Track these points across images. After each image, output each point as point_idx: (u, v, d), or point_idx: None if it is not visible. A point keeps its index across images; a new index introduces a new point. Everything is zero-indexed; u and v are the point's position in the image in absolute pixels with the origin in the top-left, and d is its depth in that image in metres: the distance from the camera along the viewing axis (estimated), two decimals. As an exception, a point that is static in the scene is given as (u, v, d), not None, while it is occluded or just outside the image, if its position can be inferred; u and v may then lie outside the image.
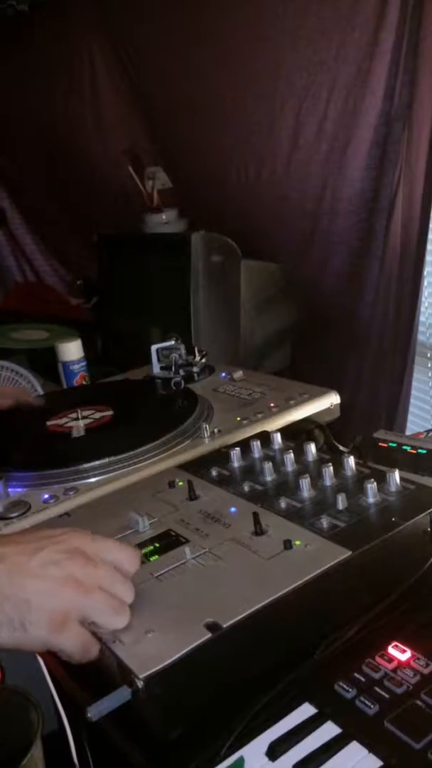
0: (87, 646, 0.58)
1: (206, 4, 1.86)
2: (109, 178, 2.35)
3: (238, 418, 1.04)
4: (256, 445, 0.89)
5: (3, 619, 0.55)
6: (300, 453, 0.86)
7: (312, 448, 0.85)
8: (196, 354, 1.27)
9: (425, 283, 1.62)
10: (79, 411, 1.08)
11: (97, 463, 0.91)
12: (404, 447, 0.95)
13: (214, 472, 0.86)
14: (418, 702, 0.55)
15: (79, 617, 0.57)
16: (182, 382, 1.19)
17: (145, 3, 2.04)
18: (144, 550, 0.69)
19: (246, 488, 0.80)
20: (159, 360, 1.27)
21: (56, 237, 2.86)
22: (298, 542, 0.67)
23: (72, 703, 0.91)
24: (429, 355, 1.74)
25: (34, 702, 1.34)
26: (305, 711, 0.57)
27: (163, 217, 1.98)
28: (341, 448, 1.00)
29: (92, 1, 2.23)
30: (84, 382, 1.42)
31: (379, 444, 0.97)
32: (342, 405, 1.11)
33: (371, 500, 0.73)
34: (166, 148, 2.18)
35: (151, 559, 0.68)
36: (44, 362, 1.55)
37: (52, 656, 0.74)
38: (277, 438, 0.90)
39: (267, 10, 1.72)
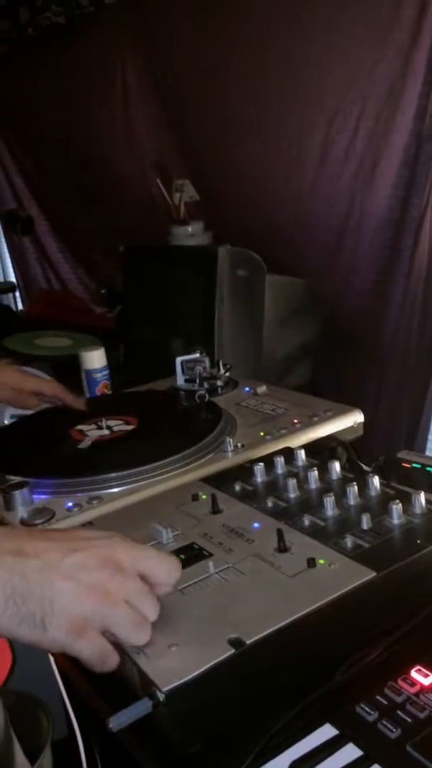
0: (104, 656, 0.57)
1: (239, 23, 1.88)
2: (137, 189, 2.37)
3: (262, 433, 1.04)
4: (280, 461, 0.89)
5: (26, 614, 0.54)
6: (324, 471, 0.85)
7: (336, 466, 0.85)
8: (221, 367, 1.27)
9: (450, 303, 1.61)
10: (104, 420, 1.09)
11: (121, 473, 0.92)
12: (428, 468, 0.94)
13: (237, 487, 0.86)
14: (441, 728, 0.55)
15: (100, 627, 0.56)
16: (206, 395, 1.19)
17: (179, 20, 2.06)
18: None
19: (269, 504, 0.80)
20: (183, 372, 1.28)
21: (82, 246, 2.89)
22: (322, 561, 0.67)
23: (85, 711, 0.91)
24: (452, 375, 1.73)
25: (45, 708, 1.34)
26: (326, 732, 0.56)
27: (189, 229, 1.99)
28: (364, 467, 0.99)
29: (127, 16, 2.26)
30: (106, 391, 1.43)
31: (403, 464, 0.97)
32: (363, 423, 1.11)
33: (396, 521, 0.73)
34: (194, 161, 2.19)
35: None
36: (67, 370, 1.56)
37: (67, 663, 0.75)
38: (301, 455, 0.90)
39: (300, 28, 1.74)
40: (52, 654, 0.81)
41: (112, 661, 0.57)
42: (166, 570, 0.60)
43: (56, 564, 0.56)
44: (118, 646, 0.60)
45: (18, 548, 0.56)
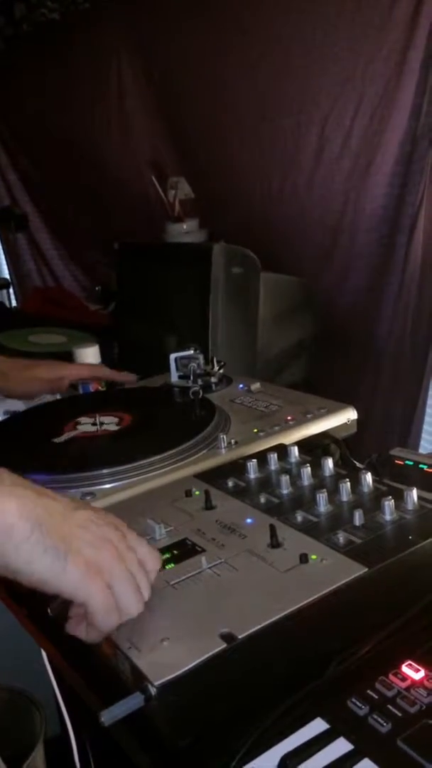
0: (111, 609, 0.58)
1: (234, 21, 1.88)
2: (132, 186, 2.37)
3: (255, 430, 1.04)
4: (273, 457, 0.89)
5: (50, 545, 0.55)
6: (317, 467, 0.86)
7: (329, 462, 0.85)
8: (214, 364, 1.27)
9: (444, 301, 1.62)
10: (97, 416, 1.09)
11: (114, 469, 0.92)
12: (421, 465, 0.95)
13: (230, 483, 0.86)
14: (431, 722, 0.55)
15: (108, 578, 0.58)
16: (200, 391, 1.19)
17: (174, 18, 2.06)
18: (159, 558, 0.69)
19: (262, 500, 0.81)
20: (177, 369, 1.28)
21: (76, 242, 2.89)
22: (314, 556, 0.67)
23: (78, 708, 0.91)
24: (445, 373, 1.73)
25: (38, 706, 1.34)
26: (317, 726, 0.56)
27: (184, 227, 1.99)
28: (357, 464, 0.99)
29: (122, 13, 2.26)
30: (100, 388, 1.43)
31: (396, 461, 0.97)
32: (357, 420, 1.12)
33: (388, 517, 0.73)
34: (189, 158, 2.19)
35: (167, 567, 0.68)
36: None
37: (59, 658, 0.75)
38: (294, 451, 0.90)
39: (295, 27, 1.74)
40: (44, 648, 0.81)
41: (116, 617, 0.59)
42: (151, 557, 0.63)
43: (68, 507, 0.59)
44: (110, 640, 0.61)
45: (39, 490, 0.59)
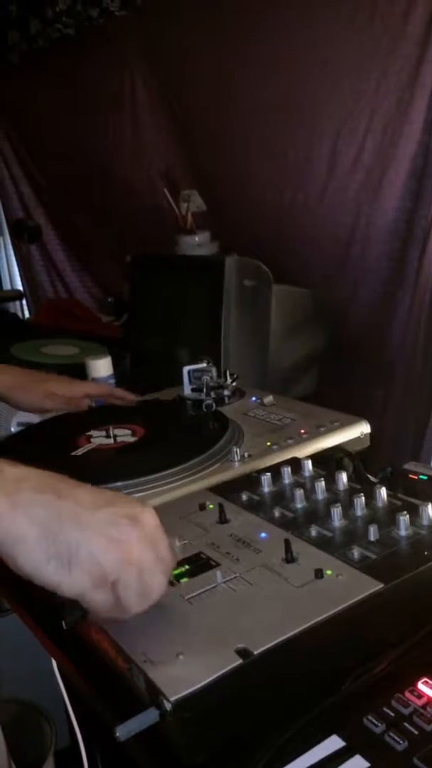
0: (114, 611, 0.59)
1: (249, 35, 1.89)
2: (145, 198, 2.38)
3: (269, 443, 1.04)
4: (287, 471, 0.89)
5: (55, 552, 0.56)
6: (331, 481, 0.86)
7: (343, 476, 0.85)
8: (228, 377, 1.28)
9: (457, 315, 1.62)
10: (110, 429, 1.09)
11: (127, 482, 0.92)
12: (435, 480, 0.95)
13: (244, 497, 0.86)
14: (449, 740, 0.55)
15: (113, 581, 0.58)
16: (213, 404, 1.19)
17: (188, 33, 2.08)
18: (175, 572, 0.69)
19: (276, 514, 0.81)
20: (190, 381, 1.28)
21: (89, 254, 2.91)
22: (329, 572, 0.67)
23: (88, 720, 0.91)
24: (458, 387, 1.73)
25: (48, 717, 1.34)
26: (333, 743, 0.56)
27: (197, 239, 2.00)
28: (371, 478, 0.99)
29: (136, 28, 2.28)
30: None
31: (410, 475, 0.97)
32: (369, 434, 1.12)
33: (403, 533, 0.73)
34: (202, 171, 2.21)
35: (182, 581, 0.68)
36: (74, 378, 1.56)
37: (71, 670, 0.75)
38: (308, 465, 0.90)
39: (308, 40, 1.75)
40: (57, 660, 0.81)
41: (120, 615, 0.60)
42: (170, 549, 0.63)
43: (89, 513, 0.58)
44: (124, 653, 0.61)
45: (55, 489, 0.59)
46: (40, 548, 0.56)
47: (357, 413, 1.13)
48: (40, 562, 0.56)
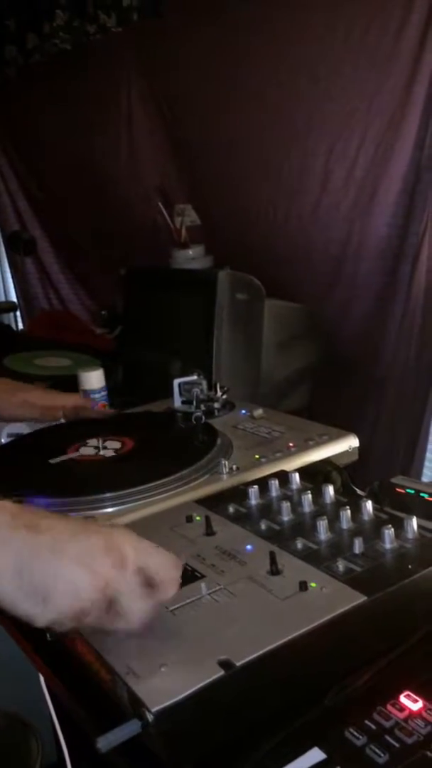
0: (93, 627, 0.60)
1: (242, 51, 1.92)
2: (140, 212, 2.40)
3: (257, 456, 1.04)
4: (274, 484, 0.89)
5: (30, 590, 0.56)
6: (318, 494, 0.86)
7: (330, 490, 0.85)
8: (218, 390, 1.28)
9: (448, 330, 1.63)
10: (100, 440, 1.10)
11: (115, 493, 0.92)
12: (422, 494, 0.95)
13: (231, 509, 0.86)
14: (429, 753, 0.55)
15: (90, 612, 0.58)
16: (203, 417, 1.20)
17: (183, 48, 2.10)
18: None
19: (263, 527, 0.81)
20: (180, 394, 1.29)
21: (83, 267, 2.92)
22: (313, 584, 0.67)
23: (75, 734, 0.91)
24: (448, 402, 1.73)
25: (35, 732, 1.33)
26: (314, 756, 0.56)
27: (190, 253, 2.02)
28: (358, 491, 1.00)
29: (132, 43, 2.30)
30: (105, 412, 1.44)
31: (397, 489, 0.97)
32: (359, 447, 1.12)
33: (388, 546, 0.73)
34: (196, 186, 2.22)
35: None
36: (66, 390, 1.56)
37: (56, 683, 0.75)
38: (296, 478, 0.91)
39: (304, 57, 1.77)
40: (42, 673, 0.80)
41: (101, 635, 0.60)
42: (167, 568, 0.61)
43: (65, 543, 0.58)
44: (108, 665, 0.61)
45: (33, 523, 0.58)
46: (15, 584, 0.56)
47: (349, 427, 1.14)
48: (17, 598, 0.56)
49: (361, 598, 0.65)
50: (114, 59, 2.38)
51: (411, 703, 0.60)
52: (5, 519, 0.58)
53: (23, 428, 1.27)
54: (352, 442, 1.10)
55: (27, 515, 0.60)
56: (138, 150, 2.42)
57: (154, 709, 0.54)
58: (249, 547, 0.76)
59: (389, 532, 0.73)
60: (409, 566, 0.69)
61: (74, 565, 0.57)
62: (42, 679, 0.85)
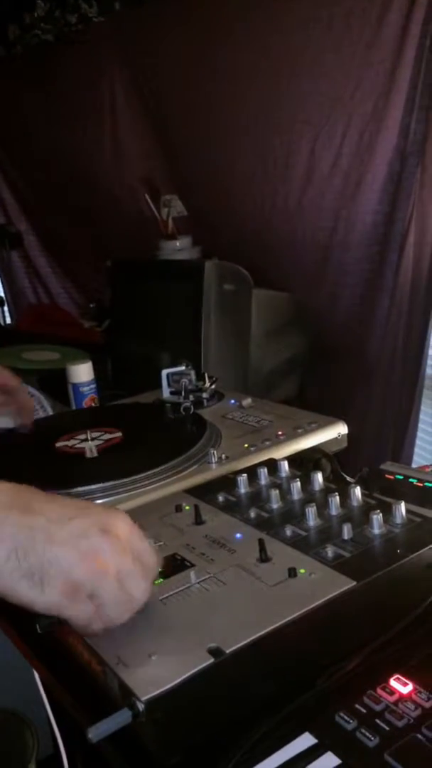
0: (90, 622, 0.59)
1: (226, 39, 1.91)
2: (126, 204, 2.39)
3: (246, 445, 1.04)
4: (263, 472, 0.89)
5: (26, 571, 0.56)
6: (307, 482, 0.86)
7: (319, 477, 0.85)
8: (206, 380, 1.28)
9: (435, 317, 1.63)
10: (88, 432, 1.09)
11: (104, 484, 0.92)
12: (411, 479, 0.95)
13: (220, 498, 0.86)
14: (419, 736, 0.55)
15: (90, 592, 0.58)
16: (191, 407, 1.19)
17: (167, 38, 2.09)
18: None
19: (252, 515, 0.81)
20: (169, 385, 1.28)
21: (71, 260, 2.90)
22: (302, 570, 0.67)
23: (70, 726, 0.91)
24: (437, 388, 1.74)
25: (31, 726, 1.33)
26: (305, 741, 0.56)
27: (177, 244, 2.01)
28: (347, 478, 1.00)
29: (114, 33, 2.29)
30: (93, 404, 1.43)
31: (386, 476, 0.98)
32: (349, 435, 1.12)
33: (377, 531, 0.73)
34: (182, 176, 2.21)
35: (156, 582, 0.68)
36: (55, 383, 1.56)
37: (50, 676, 0.75)
38: (284, 466, 0.91)
39: (286, 45, 1.76)
40: (33, 666, 0.80)
41: (96, 626, 0.59)
42: (151, 553, 0.62)
43: (57, 528, 0.58)
44: (98, 656, 0.60)
45: (26, 504, 0.58)
46: (10, 567, 0.55)
47: (338, 415, 1.14)
48: (12, 581, 0.56)
49: (350, 584, 0.65)
50: (96, 49, 2.36)
51: (401, 686, 0.60)
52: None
53: (8, 422, 1.26)
54: (341, 429, 1.10)
55: (20, 497, 0.60)
56: (123, 141, 2.41)
57: (144, 698, 0.54)
58: (238, 535, 0.76)
59: (378, 517, 0.73)
60: (398, 551, 0.70)
61: (66, 546, 0.57)
62: (37, 674, 0.85)
